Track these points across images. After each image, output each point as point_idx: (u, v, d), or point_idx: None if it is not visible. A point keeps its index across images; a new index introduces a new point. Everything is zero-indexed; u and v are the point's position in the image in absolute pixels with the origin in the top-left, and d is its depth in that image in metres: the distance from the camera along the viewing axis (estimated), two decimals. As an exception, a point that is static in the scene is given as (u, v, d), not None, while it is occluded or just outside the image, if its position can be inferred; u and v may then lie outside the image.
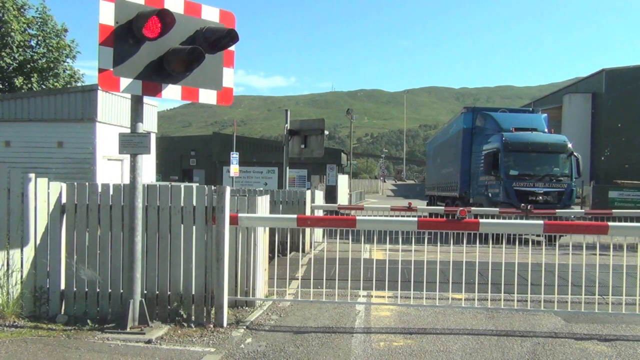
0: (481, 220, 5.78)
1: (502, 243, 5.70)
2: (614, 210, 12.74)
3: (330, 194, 22.75)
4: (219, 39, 5.03)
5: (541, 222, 5.53)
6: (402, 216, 12.38)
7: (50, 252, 5.29)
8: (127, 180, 5.07)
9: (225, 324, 5.20)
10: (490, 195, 15.30)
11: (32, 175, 5.24)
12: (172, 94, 5.01)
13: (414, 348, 4.67)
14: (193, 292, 5.35)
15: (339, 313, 5.81)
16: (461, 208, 6.32)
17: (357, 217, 5.94)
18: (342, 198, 24.57)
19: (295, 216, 6.01)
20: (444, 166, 21.80)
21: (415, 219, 5.69)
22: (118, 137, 4.96)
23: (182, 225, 5.34)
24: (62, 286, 5.35)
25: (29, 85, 22.71)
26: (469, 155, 17.52)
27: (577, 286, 6.34)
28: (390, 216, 12.85)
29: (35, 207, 5.21)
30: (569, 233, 6.30)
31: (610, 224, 5.46)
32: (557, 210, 12.58)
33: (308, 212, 10.79)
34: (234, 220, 5.50)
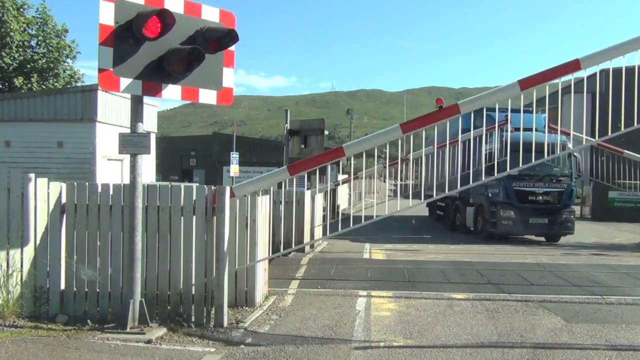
0: (459, 102, 5.59)
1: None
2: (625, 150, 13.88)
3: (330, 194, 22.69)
4: (219, 39, 5.03)
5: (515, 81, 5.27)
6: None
7: (50, 252, 5.29)
8: (127, 180, 5.07)
9: (225, 324, 5.20)
10: (490, 195, 15.31)
11: (32, 175, 5.23)
12: (172, 94, 5.01)
13: (414, 348, 4.67)
14: (193, 292, 5.35)
15: (339, 313, 5.81)
16: (438, 97, 6.47)
17: (344, 145, 5.80)
18: (342, 198, 24.56)
19: (285, 167, 5.78)
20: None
21: (398, 125, 5.50)
22: (118, 137, 4.96)
23: (182, 226, 5.34)
24: (62, 286, 5.34)
25: (29, 85, 22.69)
26: None
27: (577, 286, 6.34)
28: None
29: (35, 207, 5.21)
30: (542, 83, 5.48)
31: (581, 58, 5.22)
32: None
33: (308, 212, 10.80)
34: (231, 194, 5.36)
